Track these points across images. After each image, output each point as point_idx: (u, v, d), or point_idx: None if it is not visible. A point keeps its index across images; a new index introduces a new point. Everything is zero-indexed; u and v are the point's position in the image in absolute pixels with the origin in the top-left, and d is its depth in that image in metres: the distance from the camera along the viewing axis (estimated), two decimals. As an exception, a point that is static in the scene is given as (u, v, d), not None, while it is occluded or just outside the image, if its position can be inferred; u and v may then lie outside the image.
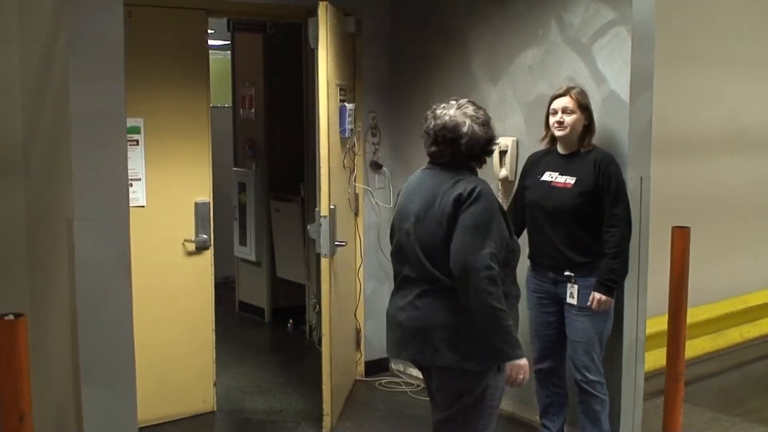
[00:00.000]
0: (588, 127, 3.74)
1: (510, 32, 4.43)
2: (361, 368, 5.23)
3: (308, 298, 6.08)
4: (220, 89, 6.77)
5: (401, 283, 3.02)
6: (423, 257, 2.90)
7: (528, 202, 3.88)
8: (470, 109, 2.93)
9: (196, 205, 4.49)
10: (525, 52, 4.35)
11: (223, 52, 7.77)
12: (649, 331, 4.17)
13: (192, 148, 4.46)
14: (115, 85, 3.01)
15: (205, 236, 4.51)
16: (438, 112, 2.95)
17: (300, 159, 6.14)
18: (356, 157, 5.00)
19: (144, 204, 4.27)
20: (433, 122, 2.94)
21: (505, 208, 2.96)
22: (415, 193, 2.98)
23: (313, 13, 4.22)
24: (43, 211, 3.34)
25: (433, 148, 2.96)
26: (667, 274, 3.68)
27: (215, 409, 4.70)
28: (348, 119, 4.59)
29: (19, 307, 2.45)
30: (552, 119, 3.76)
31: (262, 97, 6.45)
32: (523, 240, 3.80)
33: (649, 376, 4.38)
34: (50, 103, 3.20)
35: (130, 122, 3.77)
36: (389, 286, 3.38)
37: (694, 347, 5.13)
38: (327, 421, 4.38)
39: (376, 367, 5.22)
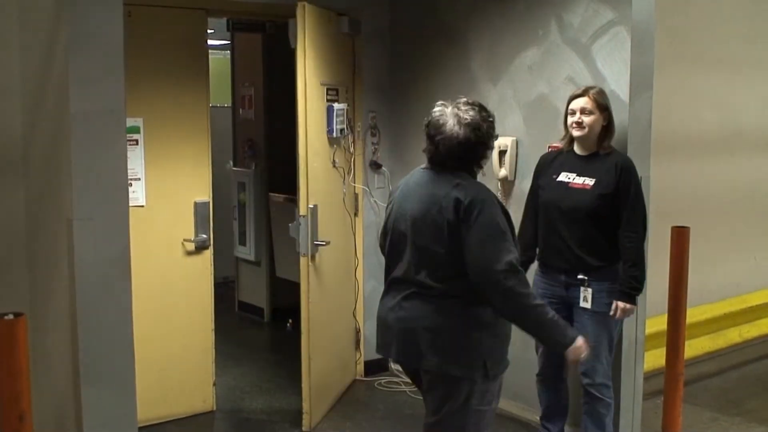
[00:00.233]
0: (607, 127, 3.66)
1: (510, 32, 4.43)
2: (361, 368, 5.23)
3: (308, 297, 6.08)
4: (220, 89, 6.76)
5: (391, 283, 3.01)
6: (415, 261, 2.88)
7: (542, 202, 3.78)
8: (462, 110, 2.84)
9: (196, 204, 4.49)
10: (525, 52, 4.35)
11: (223, 51, 7.77)
12: (648, 331, 4.18)
13: (191, 148, 4.47)
14: (114, 84, 3.02)
15: (204, 236, 4.51)
16: (434, 109, 2.91)
17: (299, 159, 6.14)
18: (355, 157, 5.00)
19: (143, 204, 4.27)
20: (426, 119, 2.92)
21: (505, 208, 2.93)
22: (413, 195, 2.94)
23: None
24: (43, 210, 3.34)
25: (424, 146, 2.94)
26: (667, 274, 3.67)
27: (215, 408, 4.70)
28: (337, 119, 4.58)
29: (18, 306, 2.45)
30: (570, 119, 3.67)
31: (262, 97, 6.45)
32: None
33: (649, 376, 4.39)
34: (50, 103, 3.19)
35: (130, 122, 3.76)
36: (388, 286, 3.38)
37: (693, 347, 5.13)
38: (306, 420, 4.38)
39: (376, 366, 5.21)
